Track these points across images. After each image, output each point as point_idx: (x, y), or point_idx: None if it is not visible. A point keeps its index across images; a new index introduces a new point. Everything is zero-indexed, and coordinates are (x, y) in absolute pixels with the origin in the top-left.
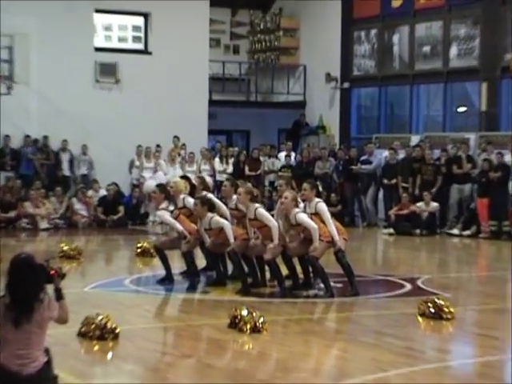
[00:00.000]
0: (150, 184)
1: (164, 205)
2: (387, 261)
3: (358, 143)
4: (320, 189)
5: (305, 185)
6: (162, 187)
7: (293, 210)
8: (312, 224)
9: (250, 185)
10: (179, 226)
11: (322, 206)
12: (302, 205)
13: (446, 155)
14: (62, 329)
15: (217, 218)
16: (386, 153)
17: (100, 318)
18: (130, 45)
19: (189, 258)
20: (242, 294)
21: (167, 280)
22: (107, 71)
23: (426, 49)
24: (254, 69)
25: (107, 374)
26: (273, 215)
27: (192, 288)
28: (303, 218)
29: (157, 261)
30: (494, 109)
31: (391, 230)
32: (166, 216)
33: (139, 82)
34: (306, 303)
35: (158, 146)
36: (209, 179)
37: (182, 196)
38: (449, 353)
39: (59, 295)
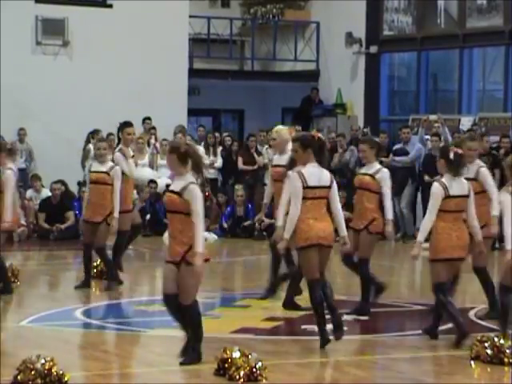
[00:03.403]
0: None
1: None
2: (428, 285)
3: (390, 127)
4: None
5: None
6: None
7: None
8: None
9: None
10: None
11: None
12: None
13: (507, 143)
14: None
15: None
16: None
17: (42, 361)
18: None
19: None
20: None
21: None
22: (52, 30)
23: (482, 0)
24: (249, 27)
25: None
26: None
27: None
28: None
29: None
30: None
31: None
32: None
33: (95, 44)
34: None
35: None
36: None
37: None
38: None
39: None
